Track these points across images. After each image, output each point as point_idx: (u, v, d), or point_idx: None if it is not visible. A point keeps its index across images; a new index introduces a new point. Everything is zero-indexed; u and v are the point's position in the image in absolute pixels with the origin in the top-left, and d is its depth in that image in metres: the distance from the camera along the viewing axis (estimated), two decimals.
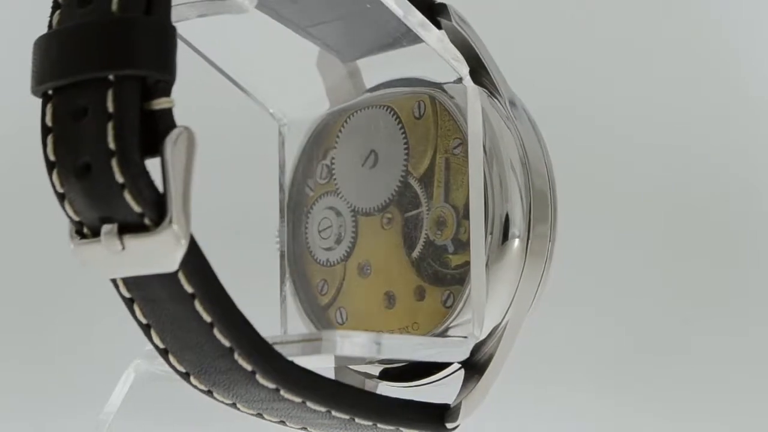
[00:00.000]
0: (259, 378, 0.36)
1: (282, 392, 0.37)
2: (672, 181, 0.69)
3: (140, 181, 0.34)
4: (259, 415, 0.41)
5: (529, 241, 0.40)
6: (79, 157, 0.35)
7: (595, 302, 0.64)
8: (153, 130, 0.34)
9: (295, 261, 0.50)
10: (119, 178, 0.34)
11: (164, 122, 0.34)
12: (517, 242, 0.39)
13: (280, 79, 0.50)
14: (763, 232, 0.69)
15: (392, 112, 0.45)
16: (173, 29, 0.35)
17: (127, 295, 0.38)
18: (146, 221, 0.34)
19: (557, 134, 0.64)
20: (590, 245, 0.65)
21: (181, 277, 0.35)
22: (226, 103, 0.51)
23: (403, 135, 0.45)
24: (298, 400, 0.37)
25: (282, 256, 0.51)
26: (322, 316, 0.48)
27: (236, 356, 0.36)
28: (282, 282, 0.51)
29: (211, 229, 0.58)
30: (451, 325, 0.42)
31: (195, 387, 0.40)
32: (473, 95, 0.40)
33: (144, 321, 0.38)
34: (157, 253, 0.34)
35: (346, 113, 0.48)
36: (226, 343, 0.36)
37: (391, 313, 0.45)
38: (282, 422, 0.42)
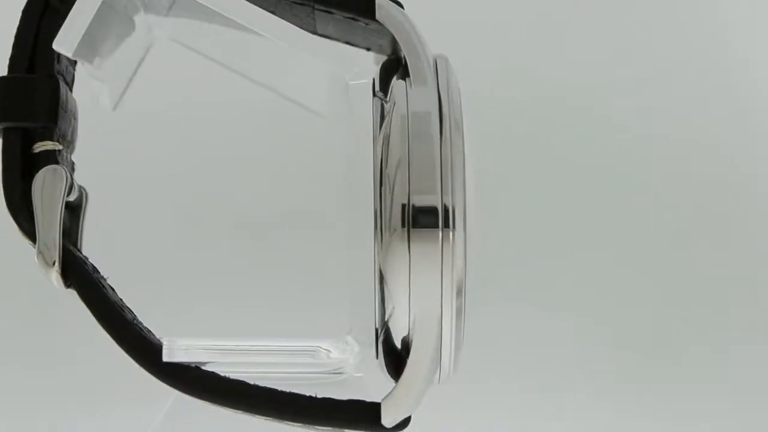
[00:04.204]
0: (160, 381, 0.40)
1: (186, 395, 0.40)
2: (672, 178, 0.62)
3: (19, 216, 0.40)
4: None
5: (411, 231, 0.38)
6: None
7: (595, 304, 0.60)
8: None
9: None
10: (11, 215, 0.40)
11: (42, 162, 0.40)
12: (401, 233, 0.38)
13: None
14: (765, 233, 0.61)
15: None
16: (50, 83, 0.40)
17: None
18: None
19: (551, 131, 0.60)
20: (587, 244, 0.61)
21: (78, 296, 0.40)
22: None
23: None
24: (200, 401, 0.40)
25: None
26: None
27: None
28: None
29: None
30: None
31: None
32: (360, 92, 0.40)
33: None
34: (48, 275, 0.40)
35: None
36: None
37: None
38: None
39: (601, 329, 0.58)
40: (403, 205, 0.38)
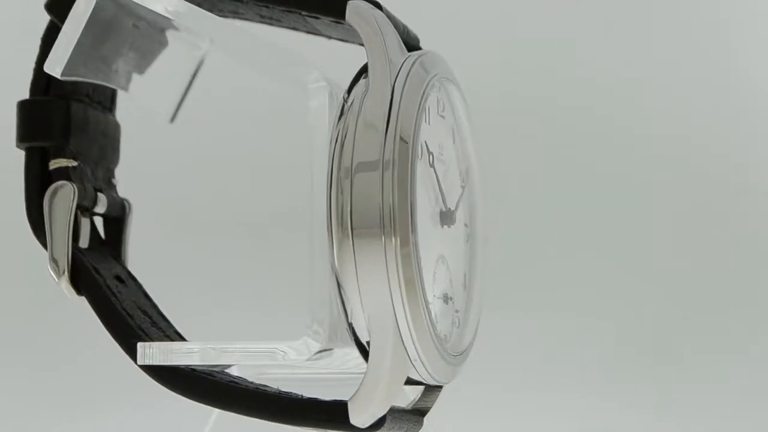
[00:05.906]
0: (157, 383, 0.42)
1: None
2: (673, 178, 0.61)
3: (37, 230, 0.43)
4: None
5: (354, 232, 0.38)
6: None
7: (597, 304, 0.59)
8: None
9: None
10: (31, 228, 0.43)
11: (55, 179, 0.43)
12: (348, 234, 0.38)
13: None
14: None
15: None
16: (60, 105, 0.44)
17: None
18: None
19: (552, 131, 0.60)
20: (589, 244, 0.61)
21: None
22: None
23: None
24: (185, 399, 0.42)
25: None
26: None
27: None
28: None
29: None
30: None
31: None
32: (315, 95, 0.39)
33: None
34: (60, 284, 0.43)
35: None
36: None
37: None
38: None
39: (603, 329, 0.57)
40: (349, 206, 0.38)
